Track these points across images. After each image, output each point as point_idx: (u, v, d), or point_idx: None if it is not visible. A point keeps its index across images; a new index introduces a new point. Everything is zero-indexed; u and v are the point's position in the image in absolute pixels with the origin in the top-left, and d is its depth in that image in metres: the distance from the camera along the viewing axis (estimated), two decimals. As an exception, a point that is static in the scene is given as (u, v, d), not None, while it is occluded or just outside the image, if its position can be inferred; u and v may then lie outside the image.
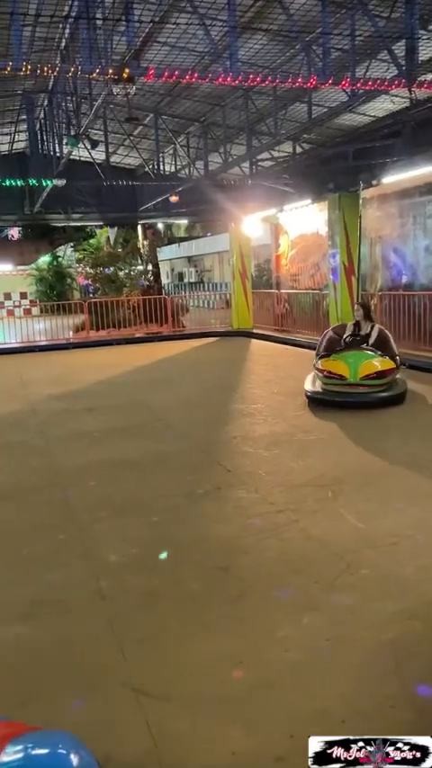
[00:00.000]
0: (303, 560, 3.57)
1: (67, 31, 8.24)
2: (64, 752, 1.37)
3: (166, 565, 3.63)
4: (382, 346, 7.64)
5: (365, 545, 3.73)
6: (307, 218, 14.89)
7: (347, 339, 7.90)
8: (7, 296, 27.05)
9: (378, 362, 7.31)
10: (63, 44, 8.72)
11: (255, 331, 15.72)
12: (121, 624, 3.00)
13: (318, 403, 7.25)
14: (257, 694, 2.47)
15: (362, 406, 7.06)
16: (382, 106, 10.12)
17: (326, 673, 2.58)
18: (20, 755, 1.34)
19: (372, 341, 7.70)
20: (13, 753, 1.33)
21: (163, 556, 3.71)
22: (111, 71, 6.00)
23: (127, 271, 21.90)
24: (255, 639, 2.84)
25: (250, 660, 2.68)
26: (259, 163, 13.04)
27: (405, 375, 8.19)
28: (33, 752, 1.38)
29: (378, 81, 6.97)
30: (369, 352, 7.46)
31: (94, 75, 6.21)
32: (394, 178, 10.97)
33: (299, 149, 12.16)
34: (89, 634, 2.95)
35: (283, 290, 16.14)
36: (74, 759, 1.34)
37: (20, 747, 1.36)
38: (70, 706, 2.42)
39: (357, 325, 7.96)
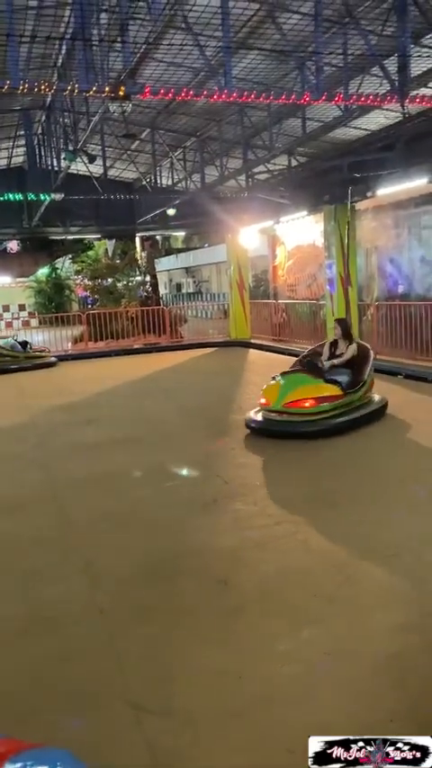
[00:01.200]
0: (302, 573, 3.59)
1: (64, 48, 8.35)
2: (62, 770, 1.39)
3: (165, 578, 3.65)
4: (354, 366, 7.00)
5: (365, 557, 3.74)
6: (303, 229, 14.98)
7: (322, 359, 7.26)
8: (6, 308, 27.13)
9: (316, 388, 6.52)
10: (60, 62, 8.83)
11: (252, 341, 15.78)
12: (119, 639, 3.01)
13: (254, 432, 6.61)
14: (257, 709, 2.48)
15: (288, 436, 6.35)
16: (375, 120, 10.24)
17: (325, 686, 2.60)
18: (19, 773, 1.35)
19: (341, 360, 7.05)
20: (12, 771, 1.35)
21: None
22: (107, 89, 6.08)
23: (125, 282, 22.01)
24: (254, 653, 2.86)
25: (250, 674, 2.70)
26: (255, 176, 13.15)
27: (402, 385, 8.20)
28: (32, 769, 1.40)
29: (371, 96, 7.07)
30: (311, 377, 6.68)
31: (91, 93, 6.29)
32: (389, 190, 11.05)
33: (294, 162, 12.27)
34: (88, 649, 2.96)
35: (280, 301, 16.22)
36: (72, 777, 1.36)
37: (19, 765, 1.38)
38: (69, 723, 2.44)
39: (335, 343, 7.36)
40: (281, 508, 4.65)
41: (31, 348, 14.55)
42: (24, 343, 14.51)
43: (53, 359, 14.47)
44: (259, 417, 6.71)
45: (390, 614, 3.10)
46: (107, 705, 2.55)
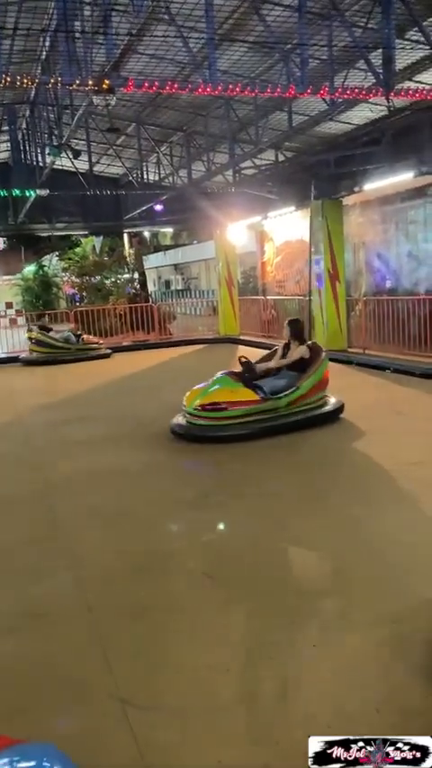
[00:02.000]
0: (291, 566, 3.59)
1: (47, 42, 8.27)
2: (48, 765, 1.37)
3: (153, 574, 3.63)
4: (300, 369, 6.75)
5: (353, 550, 3.75)
6: (291, 225, 14.99)
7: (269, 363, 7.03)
8: (-7, 306, 26.91)
9: (231, 392, 6.36)
10: (43, 55, 8.75)
11: (242, 337, 15.76)
12: (107, 635, 2.99)
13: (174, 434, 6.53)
14: (244, 702, 2.48)
15: (195, 440, 6.30)
16: (361, 114, 10.24)
17: (312, 678, 2.59)
18: (5, 768, 1.34)
19: (282, 363, 6.84)
20: (-3, 766, 1.33)
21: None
22: (91, 82, 6.03)
23: (113, 279, 21.91)
24: (242, 647, 2.85)
25: (237, 667, 2.69)
26: (242, 171, 13.14)
27: (390, 379, 8.21)
28: (18, 765, 1.38)
29: (356, 90, 7.07)
30: (232, 380, 6.51)
31: (75, 86, 6.24)
32: (375, 185, 11.08)
33: (281, 157, 12.26)
34: (76, 646, 2.94)
35: (269, 297, 16.22)
36: (59, 772, 1.34)
37: (4, 761, 1.36)
38: (56, 719, 2.42)
39: (288, 345, 7.04)
40: (271, 502, 4.64)
41: (83, 340, 14.49)
42: (78, 336, 14.53)
43: (107, 350, 14.52)
44: (182, 420, 6.56)
45: (378, 605, 3.10)
46: (95, 701, 2.53)
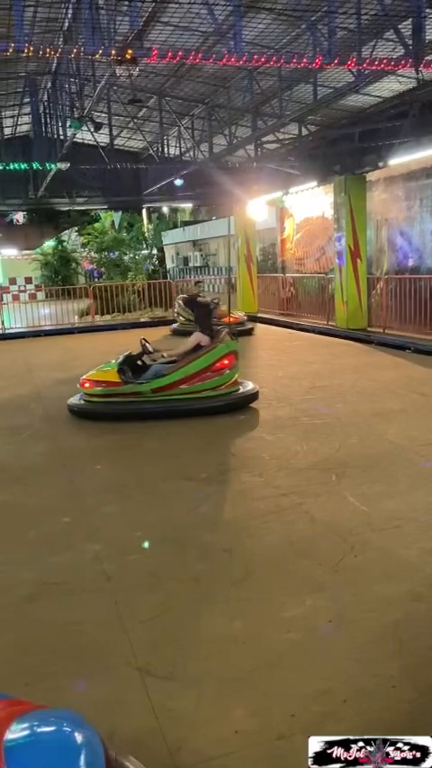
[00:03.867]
0: (307, 543, 3.60)
1: (70, 11, 8.14)
2: (69, 729, 1.39)
3: (171, 547, 3.66)
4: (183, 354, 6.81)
5: (369, 528, 3.74)
6: (312, 201, 14.76)
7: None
8: (12, 281, 26.99)
9: (104, 373, 6.66)
10: (66, 25, 8.62)
11: (260, 315, 15.67)
12: (125, 605, 3.04)
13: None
14: (260, 674, 2.50)
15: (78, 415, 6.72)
16: (388, 86, 9.97)
17: (328, 653, 2.61)
18: (25, 733, 1.36)
19: (170, 353, 6.91)
20: (18, 730, 1.35)
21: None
22: (114, 52, 5.93)
23: (132, 255, 21.84)
24: (258, 620, 2.87)
25: (253, 640, 2.72)
26: (264, 145, 12.90)
27: (411, 359, 8.11)
28: (38, 729, 1.40)
29: (384, 61, 6.86)
30: (114, 362, 6.75)
31: (97, 56, 6.14)
32: (401, 160, 10.84)
33: (304, 131, 12.02)
34: (94, 615, 2.99)
35: (288, 274, 16.06)
36: (78, 737, 1.36)
37: (25, 725, 1.38)
38: (75, 685, 2.46)
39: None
40: (287, 480, 4.64)
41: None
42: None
43: (248, 325, 13.25)
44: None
45: (394, 583, 3.10)
46: (113, 669, 2.57)
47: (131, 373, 6.66)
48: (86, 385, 6.74)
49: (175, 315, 13.75)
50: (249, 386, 6.96)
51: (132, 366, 6.76)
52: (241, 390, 6.85)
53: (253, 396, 6.83)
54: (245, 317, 13.49)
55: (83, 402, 6.84)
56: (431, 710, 2.26)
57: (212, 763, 2.07)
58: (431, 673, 2.46)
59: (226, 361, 6.65)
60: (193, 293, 13.54)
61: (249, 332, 13.05)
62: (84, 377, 6.82)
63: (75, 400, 6.94)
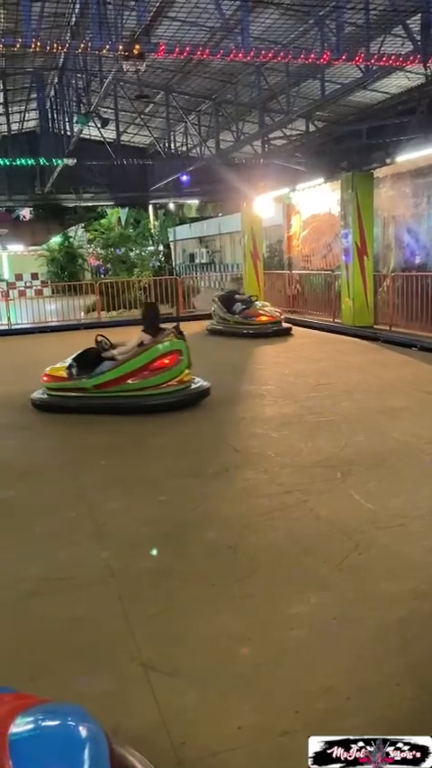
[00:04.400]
0: (312, 540, 3.59)
1: (77, 6, 8.13)
2: (73, 723, 1.40)
3: (175, 543, 3.67)
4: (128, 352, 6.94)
5: (374, 525, 3.74)
6: (319, 197, 14.71)
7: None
8: (19, 276, 27.04)
9: (60, 367, 6.98)
10: (73, 20, 8.61)
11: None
12: (130, 601, 3.04)
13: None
14: (264, 670, 2.50)
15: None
16: (396, 83, 9.92)
17: (332, 650, 2.61)
18: (30, 726, 1.36)
19: (118, 350, 6.97)
20: (23, 724, 1.36)
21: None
22: (121, 47, 5.91)
23: (138, 251, 21.83)
24: (262, 617, 2.87)
25: (258, 637, 2.72)
26: (271, 141, 12.86)
27: (417, 357, 8.05)
28: (43, 723, 1.41)
29: (393, 57, 6.83)
30: (69, 360, 6.99)
31: (104, 51, 6.13)
32: (409, 156, 10.79)
33: (312, 127, 11.96)
34: (98, 610, 3.00)
35: (294, 271, 16.02)
36: (83, 731, 1.37)
37: (30, 719, 1.39)
38: (79, 680, 2.47)
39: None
40: (292, 477, 4.64)
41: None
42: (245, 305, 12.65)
43: (285, 325, 12.26)
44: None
45: (398, 581, 3.10)
46: (117, 664, 2.58)
47: (84, 369, 6.81)
48: (44, 378, 7.06)
49: (212, 312, 12.96)
50: (202, 384, 7.00)
51: (91, 362, 6.89)
52: (192, 388, 6.90)
53: (202, 393, 6.92)
54: (281, 316, 12.45)
55: (45, 396, 7.08)
56: (435, 708, 2.26)
57: (216, 758, 2.07)
58: (435, 671, 2.45)
59: (166, 361, 6.74)
60: (232, 290, 12.87)
61: (286, 332, 12.07)
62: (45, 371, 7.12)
63: (37, 394, 7.17)
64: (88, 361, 6.90)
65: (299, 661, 2.56)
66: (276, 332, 11.90)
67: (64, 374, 6.87)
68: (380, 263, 12.87)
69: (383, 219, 12.78)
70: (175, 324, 7.41)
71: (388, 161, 11.31)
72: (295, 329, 13.23)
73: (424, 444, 5.26)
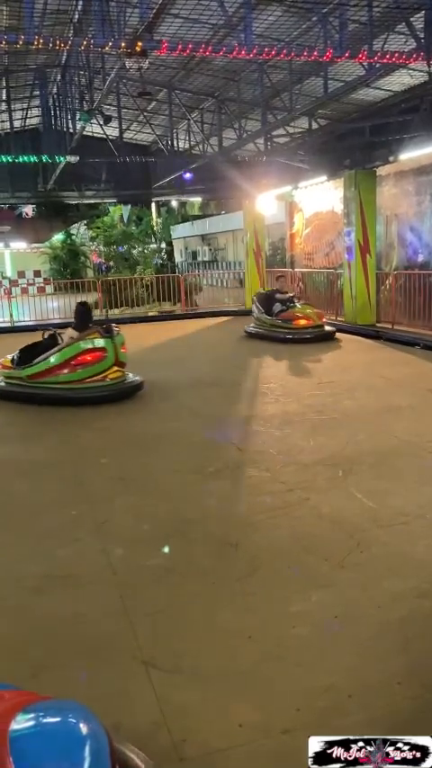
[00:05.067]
0: (313, 538, 3.59)
1: (80, 3, 8.12)
2: (74, 721, 1.40)
3: (177, 541, 3.67)
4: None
5: (376, 524, 3.74)
6: (322, 195, 14.69)
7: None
8: (21, 274, 27.05)
9: (4, 359, 7.53)
10: (76, 17, 8.60)
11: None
12: (131, 598, 3.05)
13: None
14: (265, 668, 2.50)
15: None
16: (399, 80, 9.90)
17: (334, 649, 2.61)
18: (31, 723, 1.37)
19: (60, 346, 7.32)
20: (24, 721, 1.36)
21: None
22: (123, 44, 5.90)
23: (140, 249, 21.82)
24: (264, 615, 2.87)
25: (259, 635, 2.72)
26: (274, 139, 12.85)
27: (419, 356, 8.04)
28: (44, 720, 1.41)
29: (396, 54, 6.81)
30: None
31: (107, 48, 6.12)
32: (412, 154, 10.76)
33: (314, 125, 11.95)
34: (100, 607, 3.00)
35: (297, 269, 16.00)
36: (83, 728, 1.37)
37: (31, 716, 1.39)
38: (80, 677, 2.48)
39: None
40: (294, 475, 4.64)
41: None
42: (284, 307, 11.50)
43: (328, 329, 11.04)
44: None
45: (400, 580, 3.09)
46: (118, 661, 2.58)
47: (26, 360, 7.25)
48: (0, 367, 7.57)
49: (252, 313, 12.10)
50: (134, 379, 7.41)
51: (37, 354, 7.27)
52: (126, 383, 7.31)
53: (133, 388, 7.29)
54: (322, 319, 11.28)
55: (2, 383, 7.53)
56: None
57: (217, 755, 2.07)
58: (436, 669, 2.45)
59: (88, 357, 7.08)
60: (273, 289, 12.04)
61: (328, 337, 10.87)
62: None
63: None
64: (34, 354, 7.29)
65: (300, 659, 2.56)
66: (317, 337, 10.76)
67: (9, 363, 7.39)
68: (382, 261, 12.84)
69: (386, 217, 12.75)
70: (106, 323, 7.77)
71: (391, 159, 11.28)
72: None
73: (426, 443, 5.26)
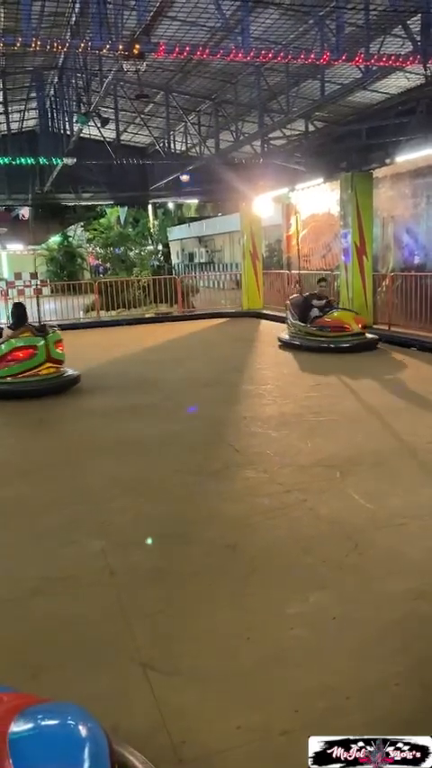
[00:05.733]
0: (311, 540, 3.60)
1: (77, 6, 8.12)
2: (73, 723, 1.40)
3: (175, 542, 3.67)
4: None
5: (374, 525, 3.74)
6: (319, 197, 14.73)
7: None
8: (18, 276, 27.04)
9: None
10: (73, 20, 8.59)
11: (265, 312, 15.65)
12: (130, 600, 3.04)
13: None
14: (264, 670, 2.50)
15: None
16: (396, 83, 9.92)
17: (332, 650, 2.61)
18: (30, 726, 1.37)
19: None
20: (23, 723, 1.36)
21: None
22: (121, 47, 5.91)
23: (137, 251, 21.84)
24: (262, 616, 2.87)
25: (257, 636, 2.72)
26: (271, 141, 12.85)
27: (415, 357, 8.06)
28: (43, 722, 1.41)
29: (393, 57, 6.82)
30: None
31: (104, 50, 6.12)
32: (408, 157, 10.80)
33: (311, 127, 11.96)
34: (99, 609, 2.99)
35: (294, 271, 16.02)
36: (82, 730, 1.37)
37: (30, 718, 1.39)
38: (79, 679, 2.47)
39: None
40: (291, 476, 4.64)
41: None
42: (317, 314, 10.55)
43: (369, 338, 10.15)
44: None
45: (398, 581, 3.10)
46: (117, 663, 2.58)
47: None
48: None
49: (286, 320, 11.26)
50: (70, 374, 8.05)
51: None
52: (63, 377, 7.95)
53: (68, 383, 7.92)
54: (360, 326, 10.19)
55: None
56: (435, 708, 2.26)
57: (215, 757, 2.07)
58: (435, 670, 2.45)
59: (20, 354, 7.73)
60: (312, 293, 11.03)
61: (370, 346, 9.96)
62: None
63: None
64: None
65: (298, 660, 2.56)
66: (357, 346, 9.86)
67: None
68: (379, 263, 12.87)
69: (383, 219, 12.79)
70: (40, 324, 8.44)
71: (387, 161, 11.31)
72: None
73: (424, 444, 5.27)
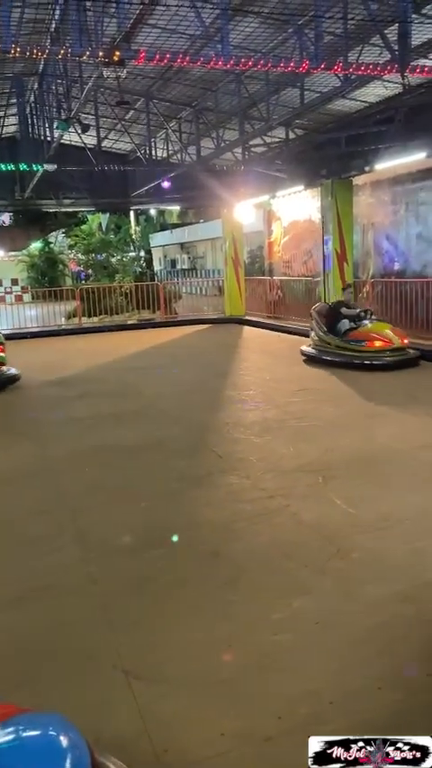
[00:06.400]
0: (294, 545, 3.60)
1: (57, 12, 8.12)
2: (54, 733, 1.39)
3: (157, 549, 3.65)
4: None
5: (356, 529, 3.76)
6: (300, 204, 14.83)
7: None
8: (-2, 282, 26.84)
9: None
10: (53, 26, 8.59)
11: (247, 318, 15.70)
12: (111, 608, 3.02)
13: None
14: (247, 676, 2.50)
15: None
16: (375, 92, 10.06)
17: (315, 655, 2.61)
18: (10, 737, 1.35)
19: None
20: (3, 734, 1.34)
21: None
22: (101, 53, 5.92)
23: (119, 257, 21.79)
24: (245, 622, 2.87)
25: (240, 643, 2.71)
26: (252, 148, 12.95)
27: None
28: (24, 733, 1.39)
29: (371, 66, 6.92)
30: None
31: (85, 57, 6.12)
32: (387, 164, 10.93)
33: (291, 135, 12.07)
34: (80, 618, 2.97)
35: (275, 277, 16.11)
36: (64, 740, 1.35)
37: (10, 729, 1.37)
38: (62, 688, 2.44)
39: None
40: (274, 482, 4.65)
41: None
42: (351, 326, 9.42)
43: (412, 353, 9.02)
44: None
45: (381, 585, 3.11)
46: (99, 672, 2.56)
47: None
48: None
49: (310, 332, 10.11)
50: (9, 373, 8.83)
51: None
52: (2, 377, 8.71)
53: (6, 381, 8.69)
54: (401, 340, 8.99)
55: None
56: (417, 712, 2.27)
57: (199, 765, 2.06)
58: (417, 672, 2.47)
59: None
60: (339, 301, 10.17)
61: (412, 363, 8.89)
62: None
63: None
64: None
65: (282, 666, 2.56)
66: (397, 363, 8.73)
67: None
68: (359, 270, 12.99)
69: (363, 226, 12.92)
70: None
71: (367, 169, 11.44)
72: (277, 335, 13.23)
73: (407, 449, 5.31)
